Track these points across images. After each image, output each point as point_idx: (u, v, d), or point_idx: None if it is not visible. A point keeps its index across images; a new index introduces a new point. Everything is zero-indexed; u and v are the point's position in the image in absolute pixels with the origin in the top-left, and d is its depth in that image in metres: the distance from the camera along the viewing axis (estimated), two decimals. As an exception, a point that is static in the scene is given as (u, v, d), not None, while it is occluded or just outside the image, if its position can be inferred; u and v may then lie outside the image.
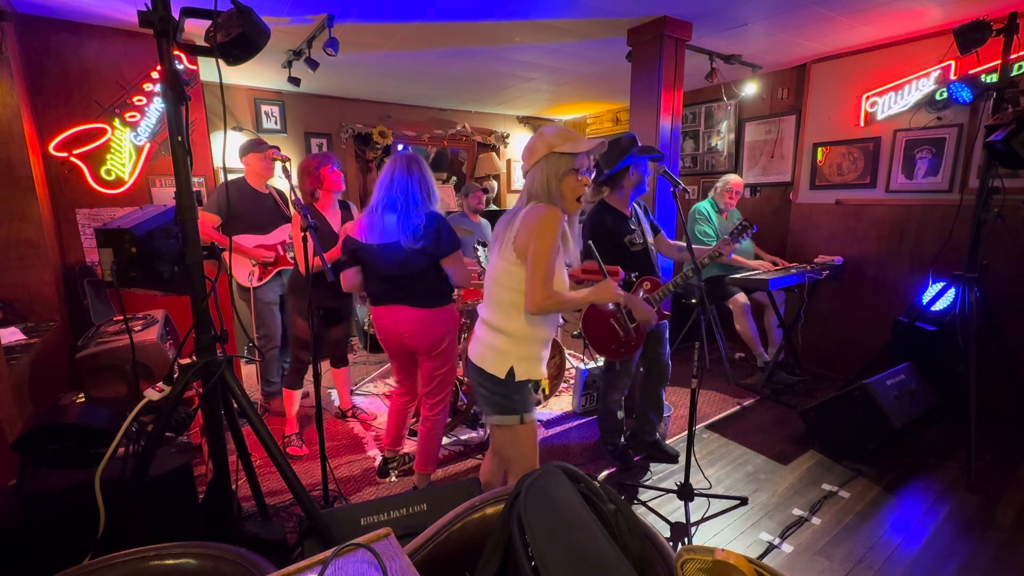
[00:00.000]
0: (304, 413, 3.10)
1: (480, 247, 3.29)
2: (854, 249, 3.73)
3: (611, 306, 2.27)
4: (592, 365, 3.29)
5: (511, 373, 1.57)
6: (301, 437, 2.85)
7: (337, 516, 1.64)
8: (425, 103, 5.18)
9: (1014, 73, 2.79)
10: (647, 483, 2.47)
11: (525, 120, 5.97)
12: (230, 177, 2.92)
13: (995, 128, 2.33)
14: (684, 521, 2.07)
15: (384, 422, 3.02)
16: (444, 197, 5.21)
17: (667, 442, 2.79)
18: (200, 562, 1.11)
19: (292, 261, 2.98)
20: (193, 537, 1.28)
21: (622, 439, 2.69)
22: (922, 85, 3.26)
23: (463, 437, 2.95)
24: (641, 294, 2.32)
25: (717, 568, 0.87)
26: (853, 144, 3.67)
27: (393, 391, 2.51)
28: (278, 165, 2.37)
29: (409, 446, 2.71)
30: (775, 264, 3.73)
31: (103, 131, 2.95)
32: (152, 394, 1.47)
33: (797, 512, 2.23)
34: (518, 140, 5.89)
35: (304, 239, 2.01)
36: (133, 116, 3.02)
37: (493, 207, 5.55)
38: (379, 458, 2.65)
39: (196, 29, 1.57)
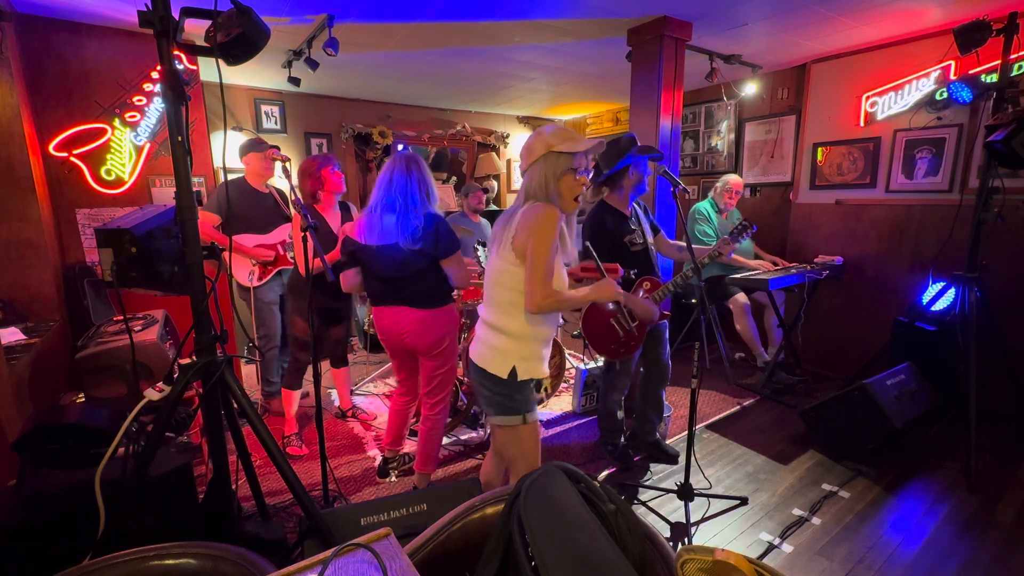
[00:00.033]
0: (304, 413, 3.10)
1: (480, 247, 3.29)
2: (854, 249, 3.73)
3: (611, 306, 2.27)
4: (592, 365, 3.29)
5: (513, 373, 1.57)
6: (301, 437, 2.85)
7: (337, 516, 1.64)
8: (425, 103, 5.19)
9: (1014, 73, 2.79)
10: (647, 483, 2.47)
11: (525, 120, 5.97)
12: (230, 177, 2.93)
13: (995, 128, 2.33)
14: (684, 521, 2.07)
15: (384, 422, 3.03)
16: (444, 197, 5.22)
17: (667, 442, 2.79)
18: (200, 562, 1.11)
19: (292, 261, 2.98)
20: (193, 537, 1.28)
21: (622, 439, 2.69)
22: (922, 85, 3.26)
23: (463, 437, 2.95)
24: (641, 294, 2.32)
25: (717, 568, 0.87)
26: (853, 144, 3.67)
27: (394, 391, 2.52)
28: (278, 165, 2.37)
29: (409, 446, 2.71)
30: (775, 264, 3.73)
31: (103, 131, 2.95)
32: (152, 394, 1.47)
33: (797, 512, 2.23)
34: (518, 140, 5.89)
35: (304, 239, 2.00)
36: (133, 116, 3.02)
37: (493, 207, 5.55)
38: (379, 458, 2.65)
39: (196, 29, 1.57)
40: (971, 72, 2.93)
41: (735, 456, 2.73)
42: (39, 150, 2.78)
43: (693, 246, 2.10)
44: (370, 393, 3.66)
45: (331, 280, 2.13)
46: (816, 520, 2.18)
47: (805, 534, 2.10)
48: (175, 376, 1.52)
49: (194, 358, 1.53)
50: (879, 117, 3.50)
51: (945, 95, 3.12)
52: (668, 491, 2.33)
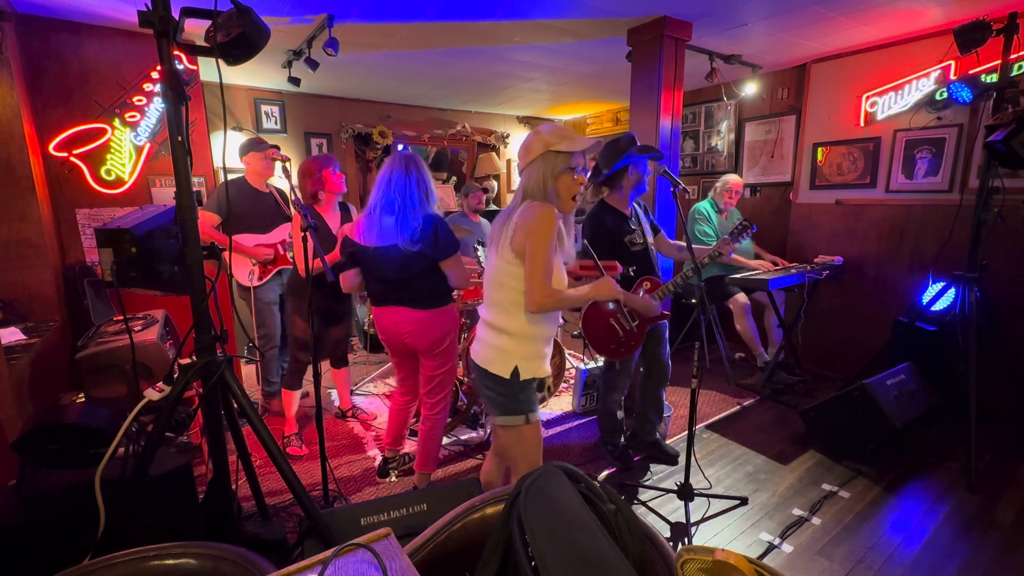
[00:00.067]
0: (304, 413, 3.10)
1: (480, 247, 3.29)
2: (854, 249, 3.73)
3: (611, 305, 2.27)
4: (592, 365, 3.29)
5: (516, 373, 1.57)
6: (301, 437, 2.85)
7: (337, 516, 1.64)
8: (425, 103, 5.18)
9: (1014, 73, 2.79)
10: (647, 483, 2.47)
11: (525, 120, 5.97)
12: (230, 177, 2.92)
13: (995, 128, 2.33)
14: (684, 521, 2.07)
15: (384, 422, 3.03)
16: (444, 197, 5.22)
17: (667, 442, 2.79)
18: (200, 562, 1.11)
19: (292, 261, 2.98)
20: (193, 537, 1.28)
21: (622, 439, 2.69)
22: (922, 85, 3.26)
23: (463, 437, 2.95)
24: (641, 294, 2.32)
25: (717, 568, 0.87)
26: (853, 144, 3.67)
27: (394, 391, 2.52)
28: (278, 165, 2.37)
29: (409, 446, 2.71)
30: (775, 264, 3.73)
31: (103, 131, 2.95)
32: (152, 394, 1.47)
33: (797, 512, 2.23)
34: (518, 140, 5.89)
35: (304, 239, 2.00)
36: (133, 116, 3.02)
37: (493, 207, 5.55)
38: (379, 458, 2.65)
39: (196, 29, 1.56)
40: (971, 72, 2.93)
41: (735, 456, 2.73)
42: (39, 150, 2.78)
43: (693, 246, 2.10)
44: (370, 393, 3.66)
45: (331, 280, 2.13)
46: (816, 520, 2.18)
47: (805, 534, 2.10)
48: (175, 376, 1.52)
49: (194, 358, 1.53)
50: (879, 117, 3.50)
51: (945, 95, 3.12)
52: (668, 491, 2.33)
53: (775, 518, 2.20)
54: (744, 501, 2.30)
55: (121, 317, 2.64)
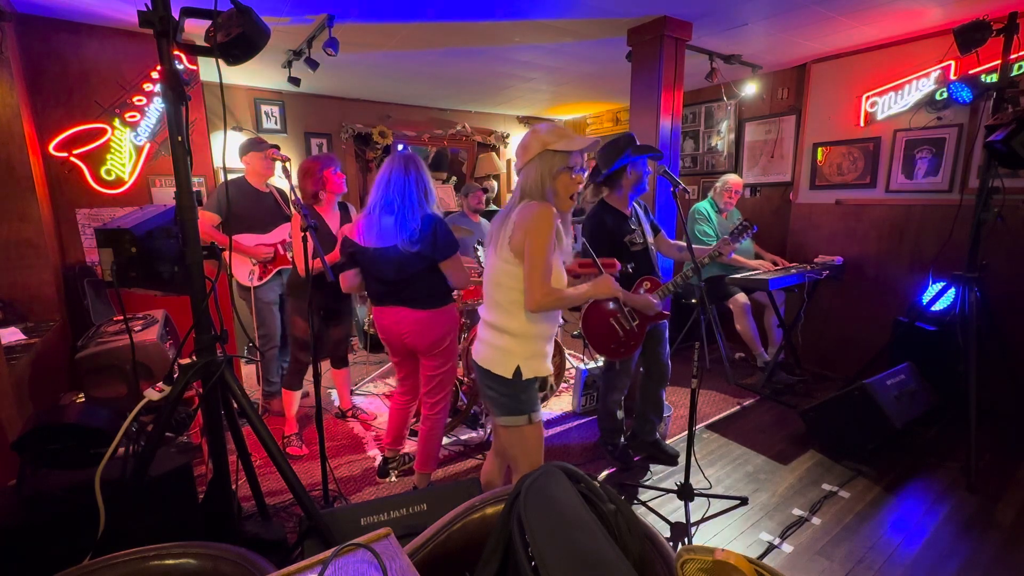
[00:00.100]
0: (304, 413, 3.10)
1: (480, 247, 3.29)
2: (854, 249, 3.73)
3: (611, 305, 2.27)
4: (592, 365, 3.29)
5: (518, 372, 1.57)
6: (301, 437, 2.85)
7: (337, 516, 1.64)
8: (425, 103, 5.19)
9: (1014, 73, 2.79)
10: (647, 483, 2.47)
11: (525, 120, 5.97)
12: (230, 177, 2.92)
13: (995, 128, 2.33)
14: (684, 521, 2.07)
15: (384, 422, 3.03)
16: (444, 197, 5.22)
17: (667, 442, 2.79)
18: (200, 562, 1.11)
19: (292, 261, 2.98)
20: (193, 537, 1.28)
21: (622, 439, 2.69)
22: (922, 85, 3.26)
23: (463, 437, 2.95)
24: (641, 293, 2.32)
25: (717, 568, 0.87)
26: (853, 144, 3.67)
27: (394, 390, 2.52)
28: (278, 165, 2.37)
29: (409, 446, 2.71)
30: (775, 264, 3.73)
31: (103, 131, 2.95)
32: (152, 394, 1.47)
33: (797, 512, 2.23)
34: (518, 140, 5.84)
35: (304, 239, 2.00)
36: (133, 116, 3.02)
37: (493, 207, 5.55)
38: (379, 458, 2.65)
39: (196, 29, 1.57)
40: (971, 72, 2.93)
41: (735, 456, 2.73)
42: (39, 150, 2.78)
43: (693, 246, 2.10)
44: (370, 393, 3.66)
45: (331, 280, 2.13)
46: (816, 520, 2.18)
47: (805, 534, 2.10)
48: (175, 376, 1.52)
49: (194, 358, 1.53)
50: (879, 117, 3.50)
51: (945, 95, 3.12)
52: (668, 491, 2.33)
53: (775, 518, 2.20)
54: (744, 501, 2.30)
55: (121, 317, 2.64)
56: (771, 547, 2.02)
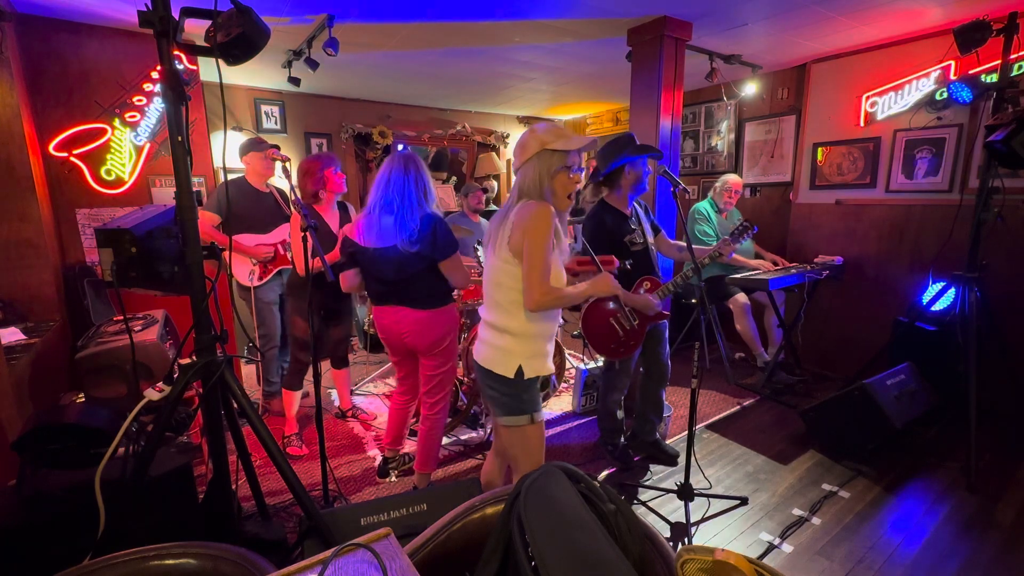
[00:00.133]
0: (304, 413, 3.10)
1: (480, 247, 3.29)
2: (854, 249, 3.73)
3: (611, 305, 2.27)
4: (592, 365, 3.29)
5: (520, 372, 1.57)
6: (301, 437, 2.85)
7: (337, 516, 1.64)
8: (425, 103, 5.19)
9: (1014, 73, 2.79)
10: (647, 483, 2.47)
11: (525, 120, 5.97)
12: (230, 177, 2.93)
13: (995, 128, 2.33)
14: (684, 521, 2.07)
15: (384, 422, 3.03)
16: (444, 197, 5.22)
17: (667, 442, 2.79)
18: (200, 562, 1.11)
19: (292, 260, 2.98)
20: (193, 537, 1.28)
21: (622, 439, 2.69)
22: (922, 85, 3.26)
23: (463, 437, 2.95)
24: (641, 293, 2.32)
25: (717, 568, 0.87)
26: (853, 144, 3.67)
27: (394, 390, 2.51)
28: (278, 164, 2.37)
29: (409, 446, 2.71)
30: (775, 263, 3.73)
31: (103, 131, 2.95)
32: (152, 394, 1.47)
33: (797, 512, 2.23)
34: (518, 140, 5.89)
35: (304, 239, 2.00)
36: (133, 116, 3.02)
37: (493, 207, 5.55)
38: (379, 458, 2.65)
39: (196, 29, 1.57)
40: (971, 72, 2.93)
41: (735, 456, 2.73)
42: (39, 150, 2.78)
43: (693, 246, 2.10)
44: (370, 393, 3.66)
45: (331, 280, 2.13)
46: (816, 520, 2.18)
47: (805, 534, 2.10)
48: (175, 376, 1.52)
49: (194, 358, 1.53)
50: (879, 117, 3.50)
51: (945, 95, 3.12)
52: (668, 491, 2.33)
53: (775, 518, 2.20)
54: (744, 501, 2.30)
55: (121, 317, 2.64)
56: (771, 547, 2.02)
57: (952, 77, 3.12)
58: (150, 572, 1.10)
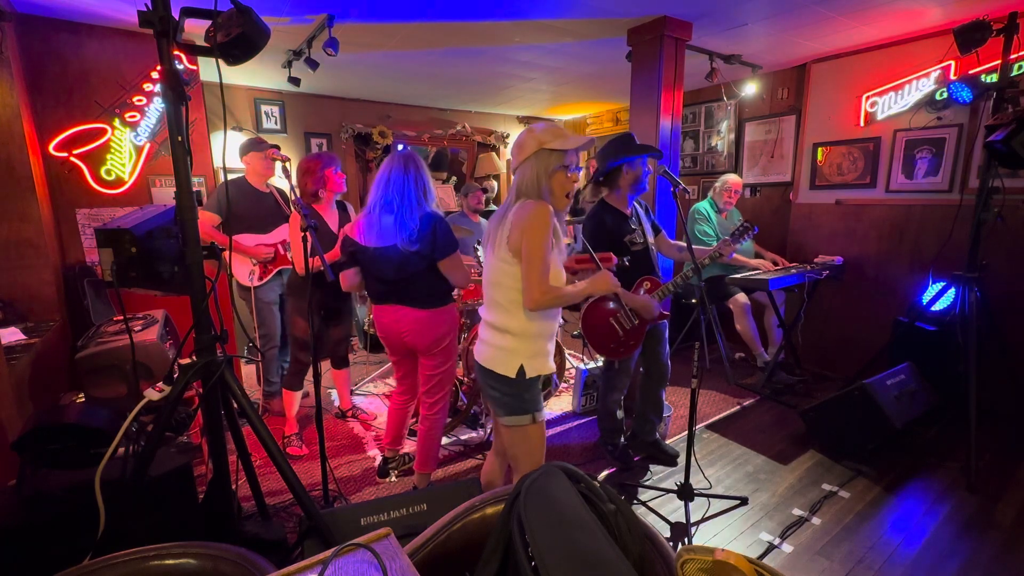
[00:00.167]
0: (304, 413, 3.10)
1: (480, 247, 3.29)
2: (854, 249, 3.73)
3: (611, 304, 2.27)
4: (592, 365, 3.29)
5: (521, 371, 1.57)
6: (301, 437, 2.85)
7: (337, 516, 1.64)
8: (425, 103, 5.19)
9: (1014, 73, 2.79)
10: (647, 483, 2.47)
11: (525, 120, 5.97)
12: (230, 177, 2.92)
13: (995, 128, 2.33)
14: (684, 521, 2.07)
15: (384, 422, 3.03)
16: (444, 197, 5.22)
17: (667, 442, 2.79)
18: (200, 562, 1.11)
19: (292, 260, 2.98)
20: (193, 537, 1.28)
21: (622, 439, 2.69)
22: (922, 85, 3.26)
23: (463, 437, 2.95)
24: (641, 293, 2.32)
25: (717, 568, 0.87)
26: (853, 144, 3.67)
27: (393, 390, 2.51)
28: (278, 164, 2.37)
29: (409, 446, 2.71)
30: (775, 263, 3.73)
31: (103, 131, 2.95)
32: (152, 394, 1.47)
33: (797, 512, 2.23)
34: (518, 140, 5.88)
35: (304, 239, 2.00)
36: (133, 116, 3.02)
37: (493, 207, 5.55)
38: (379, 458, 2.65)
39: (196, 29, 1.57)
40: (971, 72, 2.93)
41: (735, 456, 2.73)
42: (39, 150, 2.78)
43: (693, 246, 2.10)
44: (370, 393, 3.66)
45: (331, 280, 2.13)
46: (816, 520, 2.18)
47: (805, 534, 2.10)
48: (175, 376, 1.52)
49: (194, 358, 1.53)
50: (879, 117, 3.50)
51: (945, 95, 3.12)
52: (668, 491, 2.33)
53: (775, 518, 2.20)
54: (744, 501, 2.30)
55: (121, 317, 2.64)
56: (771, 547, 2.02)
57: (952, 77, 3.13)
58: (150, 572, 1.10)
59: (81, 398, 2.22)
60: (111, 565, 1.10)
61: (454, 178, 5.69)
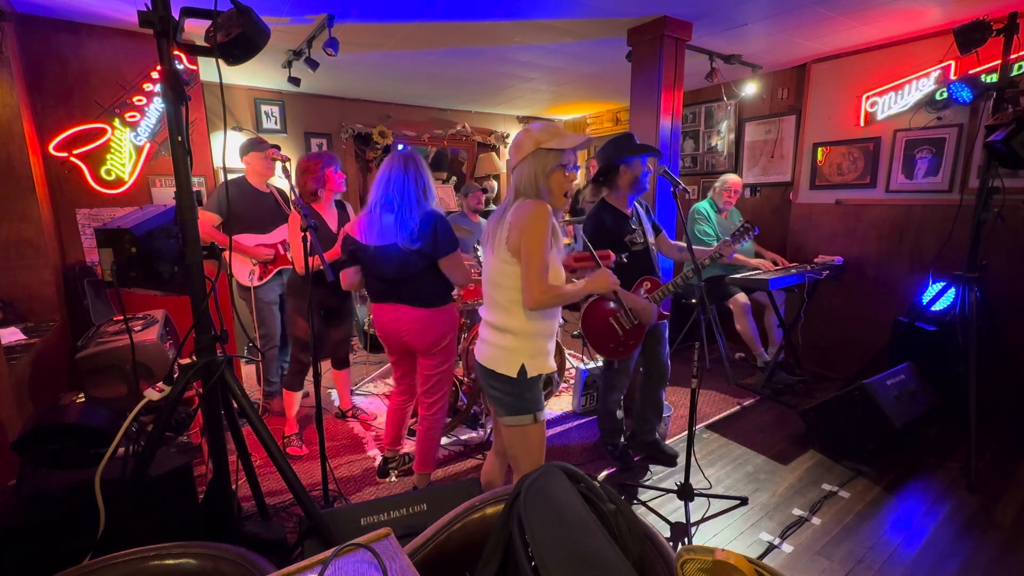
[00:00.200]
0: (304, 413, 3.10)
1: (480, 247, 3.29)
2: (854, 249, 3.73)
3: (611, 304, 2.27)
4: (592, 365, 3.29)
5: (523, 371, 1.57)
6: (301, 437, 2.85)
7: (337, 516, 1.64)
8: (425, 103, 5.19)
9: (1014, 73, 2.79)
10: (647, 483, 2.47)
11: (525, 120, 5.97)
12: (230, 177, 2.92)
13: (995, 128, 2.33)
14: (684, 521, 2.07)
15: (384, 422, 3.03)
16: (444, 197, 5.22)
17: (667, 442, 2.79)
18: (200, 562, 1.11)
19: (292, 260, 2.98)
20: (193, 537, 1.28)
21: (622, 439, 2.69)
22: (922, 85, 3.26)
23: (463, 437, 2.95)
24: (642, 293, 2.32)
25: (717, 568, 0.87)
26: (853, 144, 3.67)
27: (391, 390, 2.51)
28: (278, 164, 2.37)
29: (409, 446, 2.71)
30: (775, 263, 3.73)
31: (103, 131, 2.95)
32: (152, 394, 1.47)
33: (797, 512, 2.23)
34: (518, 140, 5.88)
35: (304, 239, 2.00)
36: (133, 116, 3.02)
37: (493, 207, 5.55)
38: (379, 458, 2.65)
39: (196, 29, 1.57)
40: (971, 72, 2.93)
41: (735, 456, 2.73)
42: (39, 150, 2.78)
43: (694, 246, 2.09)
44: (370, 393, 3.66)
45: (331, 280, 2.13)
46: (816, 520, 2.18)
47: (805, 534, 2.10)
48: (175, 376, 1.52)
49: (194, 358, 1.53)
50: (879, 117, 3.50)
51: (945, 95, 3.12)
52: (668, 491, 2.33)
53: (775, 518, 2.20)
54: (744, 501, 2.30)
55: (121, 317, 2.64)
56: (771, 547, 2.02)
57: (952, 77, 3.12)
58: (150, 572, 1.10)
59: (81, 398, 2.22)
60: (111, 565, 1.10)
61: (454, 178, 5.69)
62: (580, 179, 5.71)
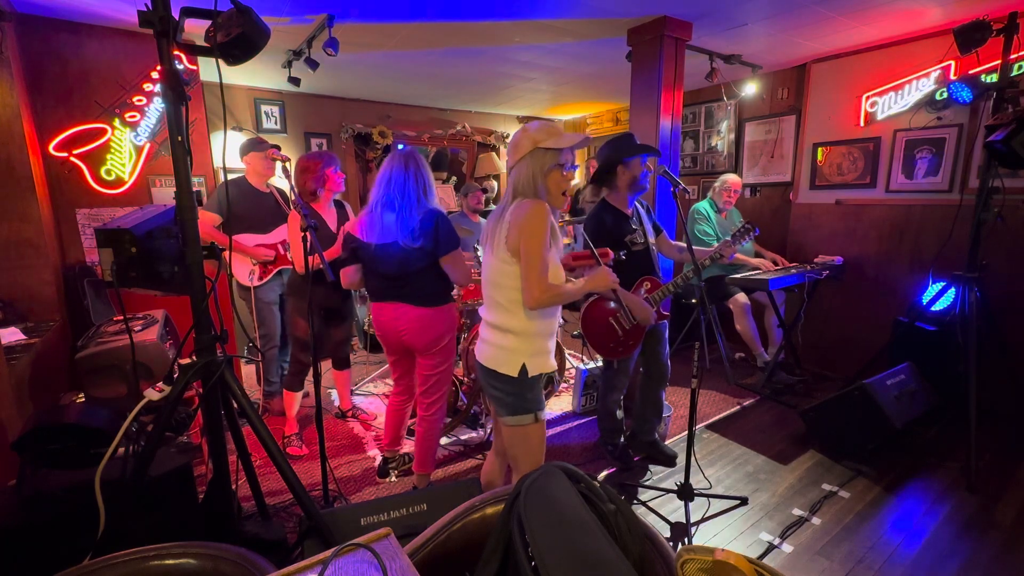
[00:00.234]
0: (304, 413, 3.10)
1: (480, 247, 3.29)
2: (854, 249, 3.73)
3: (611, 304, 2.27)
4: (592, 365, 3.29)
5: (524, 370, 1.57)
6: (301, 437, 2.85)
7: (337, 516, 1.64)
8: (425, 103, 5.19)
9: (1014, 73, 2.79)
10: (647, 483, 2.47)
11: (525, 120, 5.97)
12: (230, 177, 2.92)
13: (995, 128, 2.33)
14: (684, 521, 2.07)
15: (384, 422, 3.03)
16: (444, 197, 5.22)
17: (667, 442, 2.79)
18: (200, 562, 1.11)
19: (291, 260, 2.98)
20: (193, 537, 1.28)
21: (622, 439, 2.69)
22: (922, 85, 3.26)
23: (463, 437, 2.95)
24: (641, 293, 2.32)
25: (717, 568, 0.87)
26: (853, 144, 3.67)
27: (390, 390, 2.51)
28: (278, 164, 2.37)
29: (408, 446, 2.71)
30: (775, 262, 3.73)
31: (103, 131, 2.95)
32: (152, 394, 1.47)
33: (797, 512, 2.23)
34: (518, 140, 5.88)
35: (304, 239, 2.00)
36: (133, 116, 3.02)
37: (493, 207, 5.54)
38: (379, 458, 2.65)
39: (196, 29, 1.57)
40: (971, 72, 2.93)
41: (735, 456, 2.73)
42: (39, 150, 2.78)
43: (694, 246, 2.09)
44: (370, 393, 3.66)
45: (331, 280, 2.13)
46: (816, 520, 2.18)
47: (805, 534, 2.10)
48: (175, 376, 1.52)
49: (194, 358, 1.53)
50: (879, 117, 3.50)
51: (945, 95, 3.12)
52: (668, 491, 2.33)
53: (775, 518, 2.20)
54: (744, 501, 2.30)
55: (121, 317, 2.64)
56: (771, 547, 2.02)
57: (952, 77, 3.13)
58: (150, 572, 1.10)
59: (81, 398, 2.22)
60: (111, 565, 1.10)
61: (454, 178, 5.69)
62: (579, 179, 5.72)
